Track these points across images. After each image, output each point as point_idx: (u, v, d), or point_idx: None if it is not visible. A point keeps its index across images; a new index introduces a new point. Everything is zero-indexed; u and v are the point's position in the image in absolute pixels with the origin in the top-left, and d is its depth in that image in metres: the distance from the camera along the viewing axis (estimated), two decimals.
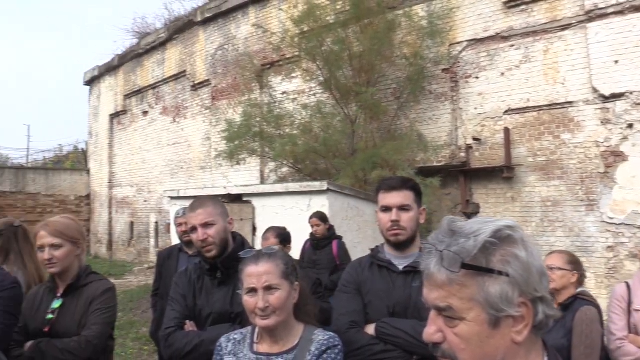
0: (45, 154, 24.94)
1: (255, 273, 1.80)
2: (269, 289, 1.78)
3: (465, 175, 8.59)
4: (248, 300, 1.79)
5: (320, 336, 1.84)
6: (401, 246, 2.19)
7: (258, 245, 4.99)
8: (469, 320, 0.88)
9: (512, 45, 8.23)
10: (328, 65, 8.80)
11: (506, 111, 8.26)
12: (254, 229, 7.56)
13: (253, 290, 1.79)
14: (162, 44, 14.93)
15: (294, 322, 1.86)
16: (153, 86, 15.44)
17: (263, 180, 11.09)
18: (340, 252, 5.38)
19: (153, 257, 14.40)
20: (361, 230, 7.36)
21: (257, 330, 1.86)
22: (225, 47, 12.73)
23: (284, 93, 10.56)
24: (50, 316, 2.43)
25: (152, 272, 12.23)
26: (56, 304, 2.46)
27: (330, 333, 1.88)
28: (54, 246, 2.41)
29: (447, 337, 0.90)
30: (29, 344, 2.34)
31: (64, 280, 2.47)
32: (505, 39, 8.31)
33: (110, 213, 17.11)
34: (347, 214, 7.23)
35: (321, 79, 9.13)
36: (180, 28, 14.27)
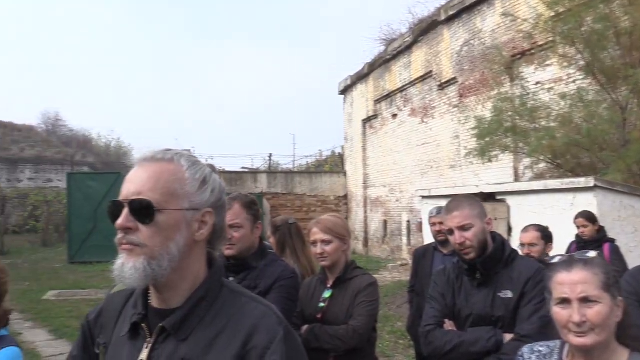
0: (308, 159, 27.70)
1: (568, 281, 1.55)
2: (585, 301, 1.52)
3: None
4: (559, 312, 1.56)
5: None
6: None
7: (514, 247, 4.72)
8: None
9: None
10: (589, 47, 7.86)
11: None
12: (509, 229, 7.21)
13: (565, 301, 1.54)
14: (407, 48, 15.32)
15: (615, 346, 1.56)
16: (401, 89, 15.94)
17: (517, 178, 10.49)
18: (614, 256, 4.75)
19: (405, 255, 14.87)
20: (638, 233, 6.40)
21: (566, 346, 1.64)
22: (471, 42, 12.43)
23: (537, 83, 9.82)
24: (322, 305, 2.70)
25: (405, 269, 12.66)
26: (327, 294, 2.72)
27: None
28: (324, 242, 2.66)
29: None
30: (304, 327, 2.64)
31: (333, 273, 2.72)
32: None
33: (365, 212, 18.24)
34: (619, 214, 6.36)
35: (581, 63, 8.20)
36: (425, 29, 14.44)
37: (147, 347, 1.15)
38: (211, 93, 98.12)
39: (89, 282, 11.85)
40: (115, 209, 1.16)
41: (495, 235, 2.41)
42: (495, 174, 10.81)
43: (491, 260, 2.29)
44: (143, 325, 1.18)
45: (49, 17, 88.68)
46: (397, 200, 16.13)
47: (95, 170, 30.87)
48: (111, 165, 37.13)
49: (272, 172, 21.66)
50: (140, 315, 1.19)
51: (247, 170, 22.05)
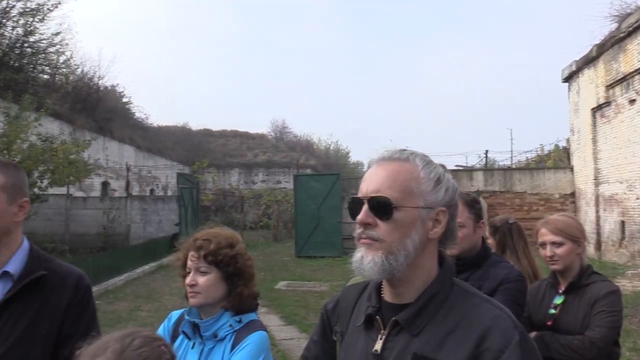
0: (527, 154, 25.96)
1: None
2: None
3: None
4: None
5: None
6: None
7: None
8: None
9: None
10: None
11: None
12: None
13: None
14: None
15: None
16: (639, 71, 13.89)
17: None
18: None
19: None
20: None
21: None
22: None
23: None
24: (552, 311, 2.48)
25: None
26: (558, 300, 2.49)
27: None
28: (555, 243, 2.44)
29: None
30: (533, 334, 2.44)
31: (566, 278, 2.48)
32: None
33: (597, 211, 16.34)
34: None
35: None
36: None
37: (380, 339, 1.22)
38: (418, 93, 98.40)
39: (313, 275, 12.81)
40: (355, 205, 1.23)
41: None
42: None
43: None
44: (377, 317, 1.25)
45: (271, 40, 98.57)
46: (637, 199, 14.10)
47: (317, 171, 33.26)
48: (330, 166, 39.68)
49: (489, 169, 20.73)
50: (374, 308, 1.26)
51: (461, 168, 21.50)
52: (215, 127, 43.41)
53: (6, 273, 1.68)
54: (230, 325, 1.90)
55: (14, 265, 1.70)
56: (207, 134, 41.95)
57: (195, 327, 1.95)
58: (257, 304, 2.05)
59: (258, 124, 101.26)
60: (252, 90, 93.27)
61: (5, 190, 1.68)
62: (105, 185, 24.31)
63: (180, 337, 1.98)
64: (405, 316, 1.18)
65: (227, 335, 1.90)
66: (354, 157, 51.13)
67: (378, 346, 1.20)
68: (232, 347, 1.86)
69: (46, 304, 1.69)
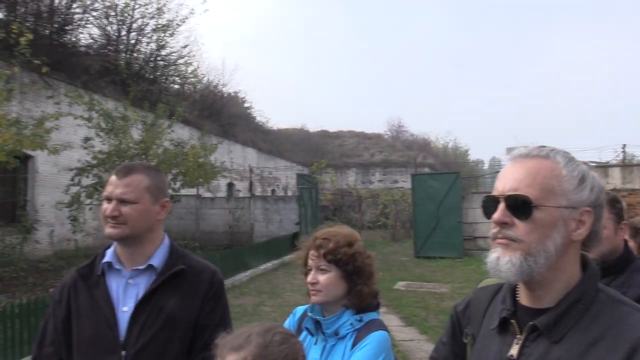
0: None
1: None
2: None
3: None
4: None
5: None
6: None
7: None
8: None
9: None
10: None
11: None
12: None
13: None
14: None
15: None
16: None
17: None
18: None
19: None
20: None
21: None
22: None
23: None
24: None
25: None
26: None
27: None
28: None
29: None
30: None
31: None
32: None
33: None
34: None
35: None
36: None
37: (517, 344, 1.16)
38: (539, 84, 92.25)
39: (433, 275, 12.52)
40: (490, 204, 1.18)
41: None
42: None
43: None
44: (512, 321, 1.20)
45: (385, 41, 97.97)
46: None
47: (435, 170, 32.56)
48: (449, 165, 38.64)
49: (627, 165, 18.91)
50: (509, 311, 1.21)
51: (595, 164, 19.83)
52: (332, 128, 44.20)
53: (151, 266, 1.84)
54: (351, 324, 1.90)
55: (157, 260, 1.85)
56: (324, 135, 42.84)
57: (318, 324, 1.97)
58: (379, 303, 2.02)
59: (374, 124, 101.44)
60: (368, 91, 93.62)
61: (150, 191, 1.83)
62: (230, 186, 25.76)
63: (304, 332, 2.02)
64: (545, 321, 1.12)
65: (347, 333, 1.90)
66: (473, 155, 49.37)
67: (514, 351, 1.15)
68: (353, 346, 1.86)
69: (185, 296, 1.82)
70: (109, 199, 1.80)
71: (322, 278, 1.93)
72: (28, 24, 14.50)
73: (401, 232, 23.44)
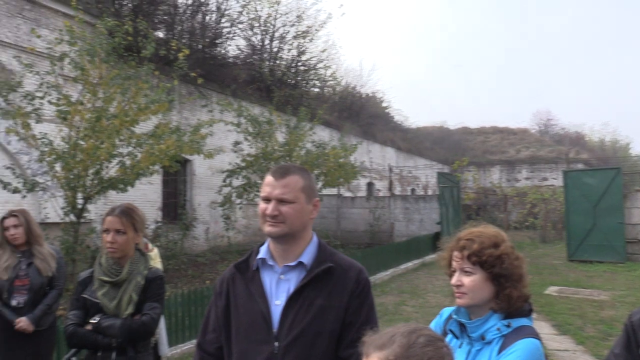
0: None
1: None
2: None
3: None
4: None
5: None
6: None
7: None
8: None
9: None
10: None
11: None
12: None
13: None
14: None
15: None
16: None
17: None
18: None
19: None
20: None
21: None
22: None
23: None
24: None
25: None
26: None
27: None
28: None
29: None
30: None
31: None
32: None
33: None
34: None
35: None
36: None
37: None
38: None
39: (590, 281, 11.50)
40: None
41: None
42: None
43: None
44: None
45: (525, 31, 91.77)
46: None
47: (590, 166, 29.87)
48: (606, 160, 35.20)
49: None
50: None
51: None
52: (473, 124, 42.64)
53: (301, 263, 1.92)
54: (498, 329, 1.82)
55: (307, 257, 1.94)
56: (465, 132, 41.48)
57: (463, 327, 1.92)
58: (531, 308, 1.91)
59: (519, 118, 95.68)
60: (511, 84, 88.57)
61: (305, 191, 1.93)
62: (370, 185, 26.01)
63: (449, 335, 1.97)
64: None
65: (494, 338, 1.82)
66: (636, 149, 44.40)
67: None
68: (499, 352, 1.78)
69: (333, 292, 1.88)
70: (267, 199, 1.90)
71: (466, 280, 1.88)
72: (184, 41, 15.98)
73: (552, 234, 21.90)
